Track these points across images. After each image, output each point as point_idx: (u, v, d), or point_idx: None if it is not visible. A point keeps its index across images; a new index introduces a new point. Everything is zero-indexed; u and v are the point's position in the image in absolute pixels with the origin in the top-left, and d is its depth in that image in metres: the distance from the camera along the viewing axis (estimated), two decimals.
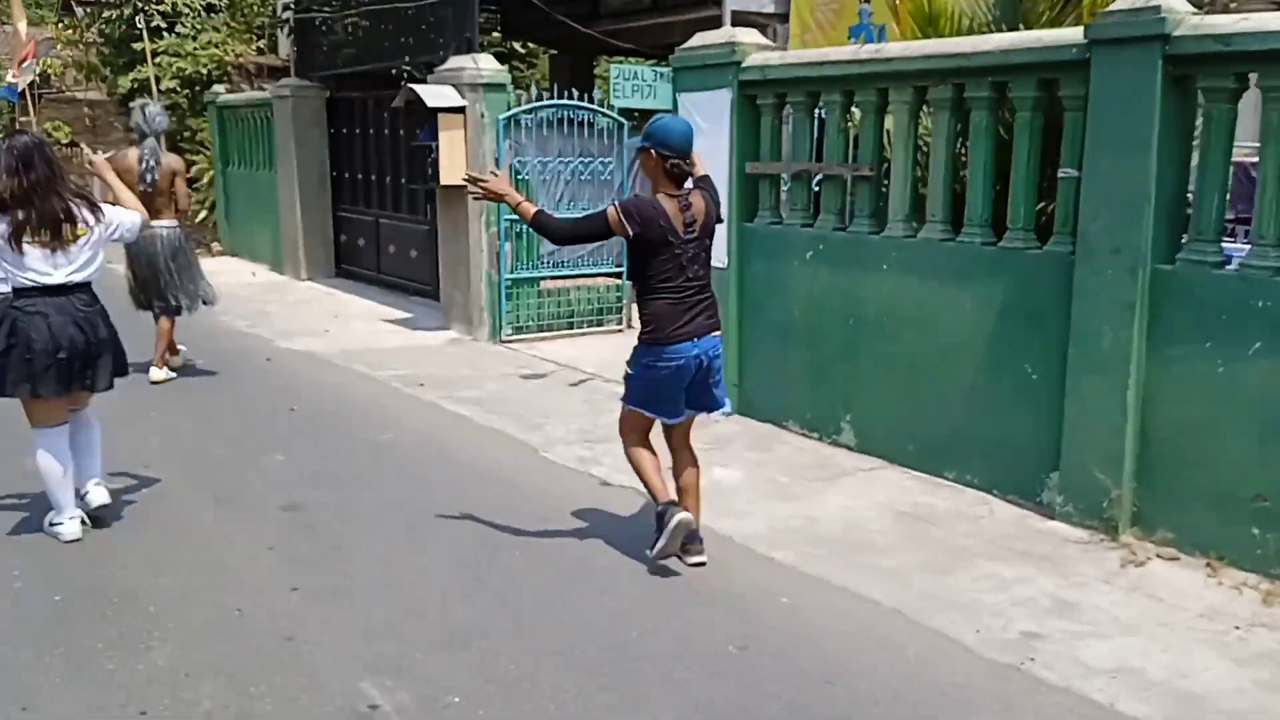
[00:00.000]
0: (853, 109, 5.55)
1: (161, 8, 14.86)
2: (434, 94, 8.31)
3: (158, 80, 14.31)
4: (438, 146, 8.35)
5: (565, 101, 8.75)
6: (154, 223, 6.65)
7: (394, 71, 11.52)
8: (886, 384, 5.32)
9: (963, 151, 5.16)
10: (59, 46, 19.89)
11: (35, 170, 4.16)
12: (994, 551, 4.23)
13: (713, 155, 6.06)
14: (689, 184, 3.99)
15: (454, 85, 8.45)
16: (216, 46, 14.61)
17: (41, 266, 4.19)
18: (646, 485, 4.19)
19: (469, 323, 8.74)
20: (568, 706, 3.07)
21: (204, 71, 14.61)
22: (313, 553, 4.20)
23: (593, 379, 7.22)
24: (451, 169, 8.39)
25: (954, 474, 5.02)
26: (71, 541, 4.25)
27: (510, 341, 8.64)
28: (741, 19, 8.90)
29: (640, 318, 4.04)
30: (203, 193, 14.68)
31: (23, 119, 25.12)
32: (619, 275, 9.13)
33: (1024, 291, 4.71)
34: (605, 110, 8.87)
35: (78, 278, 4.28)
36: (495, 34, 14.39)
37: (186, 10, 15.18)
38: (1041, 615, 3.66)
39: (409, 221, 10.47)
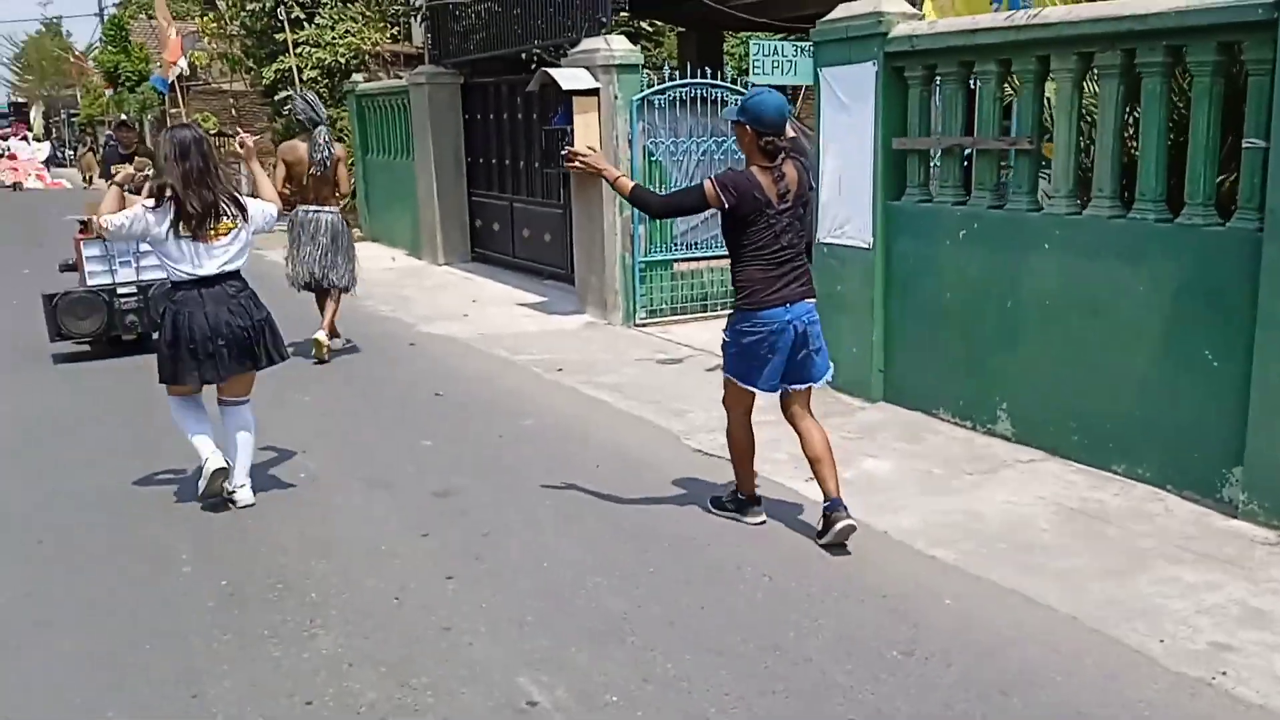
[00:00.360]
0: (1008, 79, 5.27)
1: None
2: (568, 77, 8.29)
3: (299, 70, 14.80)
4: (572, 129, 8.34)
5: (697, 80, 8.61)
6: (320, 208, 7.31)
7: (524, 55, 11.62)
8: (1048, 371, 5.04)
9: (1132, 122, 4.83)
10: (205, 40, 20.74)
11: (191, 162, 4.34)
12: (1174, 553, 3.95)
13: (856, 131, 5.88)
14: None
15: (587, 67, 8.41)
16: (354, 36, 14.99)
17: (196, 259, 4.40)
18: (735, 469, 4.31)
19: (603, 306, 8.73)
20: (729, 711, 2.98)
21: (342, 61, 15.03)
22: (465, 539, 4.24)
23: None
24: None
25: (1123, 467, 4.72)
26: (217, 469, 4.45)
27: (645, 325, 8.60)
28: None
29: (734, 285, 4.13)
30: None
31: (173, 111, 26.37)
32: None
33: (1203, 271, 4.37)
34: (738, 88, 8.71)
35: (229, 268, 4.48)
36: (623, 13, 14.33)
37: (325, 1, 15.62)
38: (1231, 625, 3.40)
39: (542, 205, 10.53)
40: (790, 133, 4.10)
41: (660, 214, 4.46)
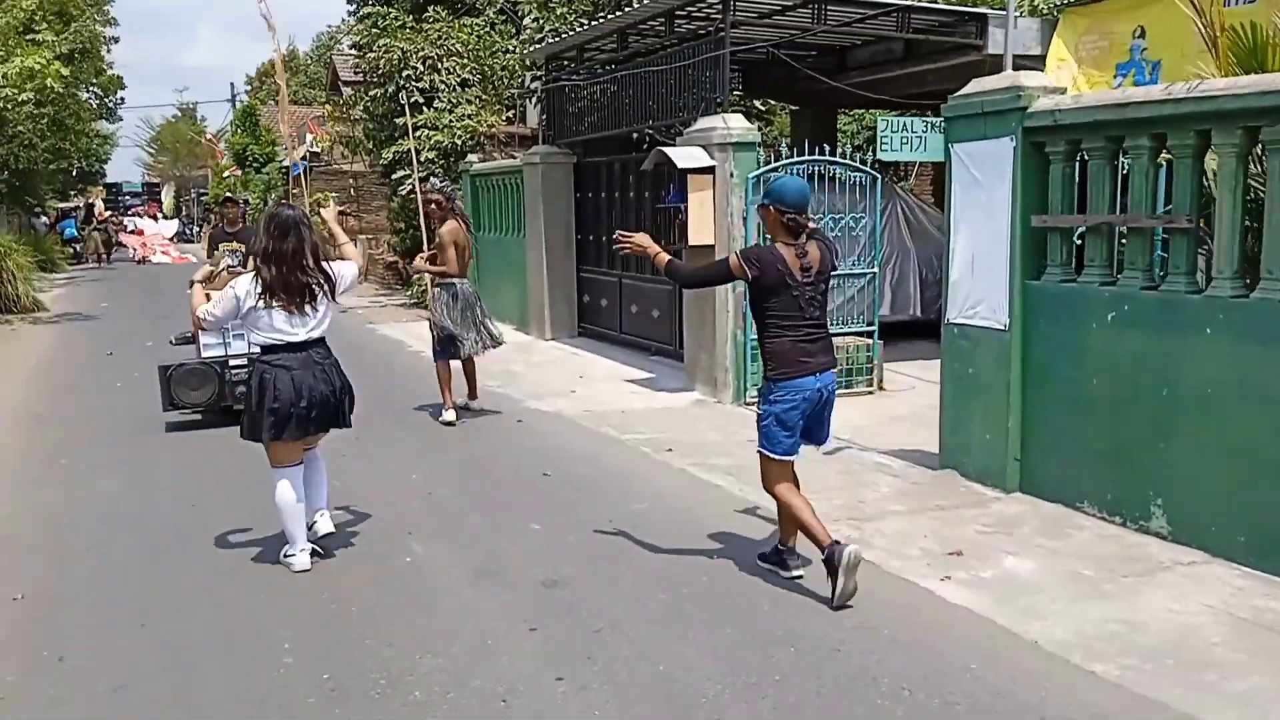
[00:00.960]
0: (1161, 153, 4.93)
1: (421, 85, 15.78)
2: (684, 155, 8.21)
3: (418, 152, 15.18)
4: (686, 207, 8.24)
5: (814, 158, 8.45)
6: (464, 279, 7.93)
7: (636, 135, 11.67)
8: (1211, 465, 4.59)
9: None
10: (328, 124, 21.61)
11: (289, 242, 4.60)
12: None
13: (990, 208, 5.59)
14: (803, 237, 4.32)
15: (703, 145, 8.32)
16: (470, 119, 15.34)
17: (285, 327, 4.63)
18: (807, 530, 4.34)
19: (713, 384, 8.50)
20: None
21: (458, 142, 15.37)
22: (575, 636, 3.99)
23: (847, 447, 6.76)
24: (700, 229, 8.25)
25: None
26: (301, 572, 4.66)
27: (755, 403, 8.33)
28: (1000, 64, 8.32)
29: (764, 356, 4.41)
30: None
31: (294, 190, 27.54)
32: (869, 334, 8.68)
33: None
34: (857, 165, 8.51)
35: (315, 334, 4.71)
36: (734, 93, 14.37)
37: (443, 86, 16.06)
38: None
39: (651, 282, 10.42)
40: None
41: (688, 285, 5.03)
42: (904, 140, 8.23)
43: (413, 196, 16.07)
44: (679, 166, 8.14)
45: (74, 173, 33.91)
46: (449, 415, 7.71)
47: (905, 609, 4.15)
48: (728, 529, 5.25)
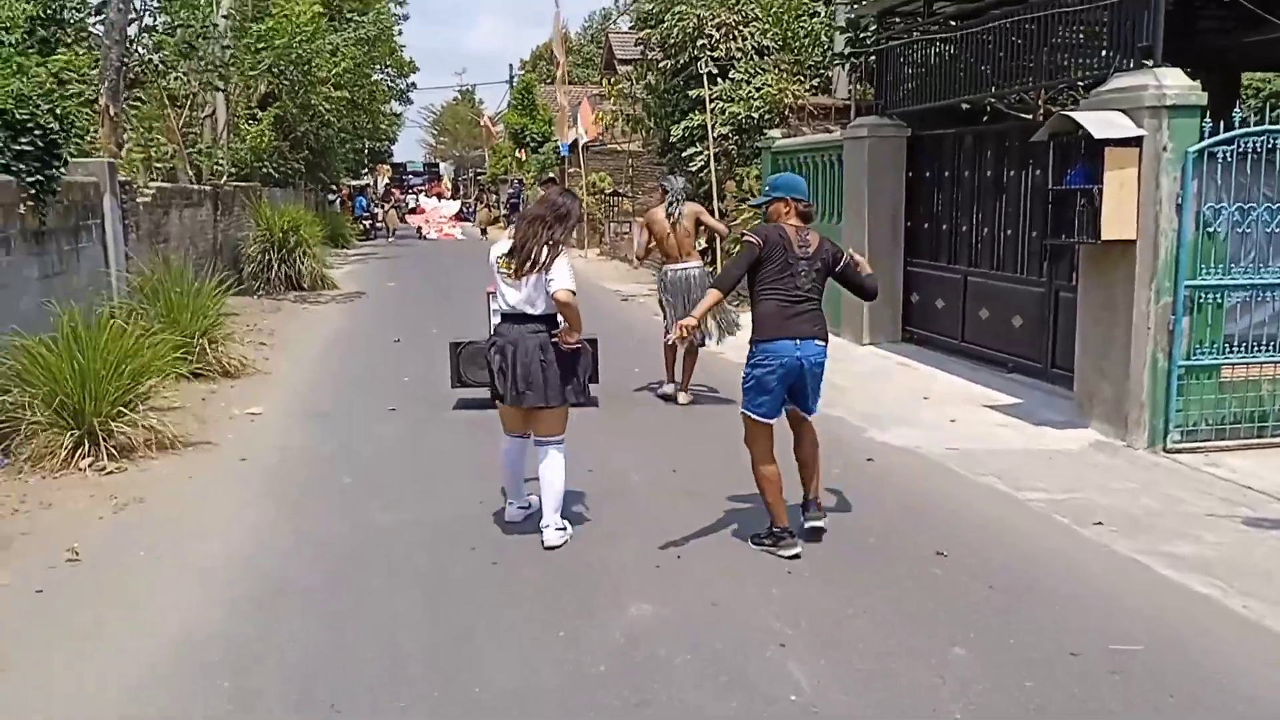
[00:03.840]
0: None
1: (716, 54, 14.40)
2: (1101, 122, 6.26)
3: (711, 128, 13.83)
4: (1098, 190, 6.30)
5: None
6: (685, 264, 7.90)
7: (986, 105, 9.72)
8: None
9: None
10: (611, 101, 20.73)
11: (543, 211, 4.74)
12: None
13: None
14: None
15: (1124, 110, 6.34)
16: (771, 88, 13.79)
17: (508, 295, 4.74)
18: (767, 504, 4.63)
19: (1119, 422, 6.53)
20: None
21: (755, 115, 13.88)
22: None
23: None
24: (1118, 218, 6.30)
25: None
26: (511, 521, 4.99)
27: (1178, 451, 6.32)
28: None
29: (752, 321, 4.63)
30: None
31: (571, 170, 27.10)
32: None
33: None
34: None
35: (528, 309, 4.69)
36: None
37: (739, 54, 14.61)
38: None
39: (1012, 281, 8.49)
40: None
41: (730, 287, 4.64)
42: None
43: (704, 174, 14.88)
44: (1096, 136, 6.19)
45: (365, 151, 35.38)
46: (667, 388, 8.03)
47: None
48: (1267, 684, 3.41)
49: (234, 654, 3.68)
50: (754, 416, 4.61)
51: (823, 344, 4.64)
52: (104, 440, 6.13)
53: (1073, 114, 6.44)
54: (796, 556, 4.49)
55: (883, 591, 4.19)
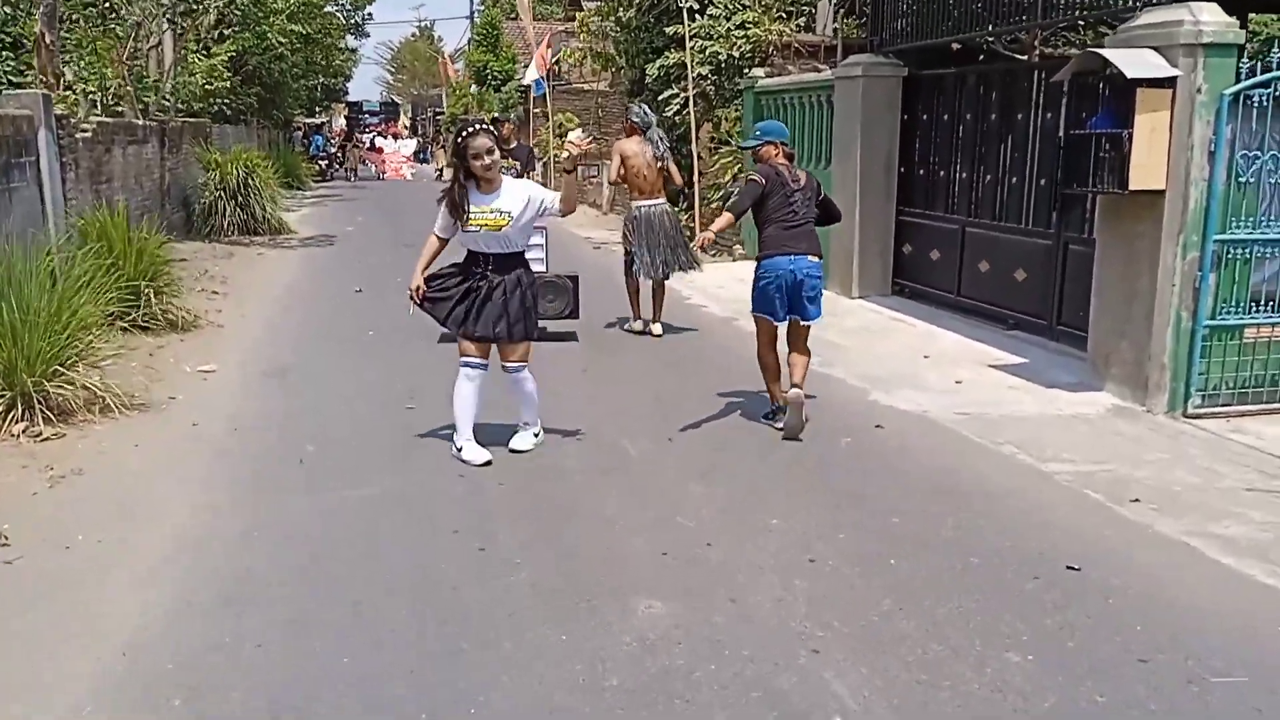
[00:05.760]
0: None
1: None
2: (1133, 60, 5.78)
3: (690, 67, 13.17)
4: (1127, 134, 5.84)
5: None
6: (654, 201, 8.04)
7: (983, 44, 9.22)
8: None
9: None
10: (580, 37, 19.89)
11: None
12: None
13: None
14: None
15: (1157, 47, 5.86)
16: (753, 26, 13.13)
17: (483, 242, 4.98)
18: (768, 386, 5.76)
19: (1138, 385, 6.15)
20: None
21: (735, 55, 13.24)
22: None
23: None
24: (1148, 165, 5.85)
25: None
26: (479, 464, 4.98)
27: (1199, 416, 5.96)
28: None
29: (758, 245, 5.66)
30: (724, 190, 13.37)
31: (535, 110, 26.16)
32: None
33: None
34: None
35: (501, 250, 5.00)
36: None
37: None
38: None
39: (1014, 233, 8.05)
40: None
41: (738, 213, 5.63)
42: None
43: (680, 116, 14.24)
44: (1128, 76, 5.72)
45: (318, 89, 34.10)
46: (635, 325, 8.28)
47: None
48: None
49: (186, 665, 3.18)
50: (759, 315, 5.64)
51: (816, 259, 5.56)
52: (39, 402, 5.53)
53: (1103, 51, 5.95)
54: (795, 407, 5.42)
55: (916, 584, 3.77)
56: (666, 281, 8.23)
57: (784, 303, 5.50)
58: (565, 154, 5.11)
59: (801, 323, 5.60)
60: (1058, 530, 4.33)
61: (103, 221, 7.82)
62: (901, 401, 6.27)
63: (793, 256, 5.45)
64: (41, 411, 5.50)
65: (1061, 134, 7.25)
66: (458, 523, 4.29)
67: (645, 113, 8.23)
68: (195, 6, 15.11)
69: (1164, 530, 4.29)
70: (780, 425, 5.52)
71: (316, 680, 3.09)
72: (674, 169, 8.24)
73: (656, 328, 8.16)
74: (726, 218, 5.64)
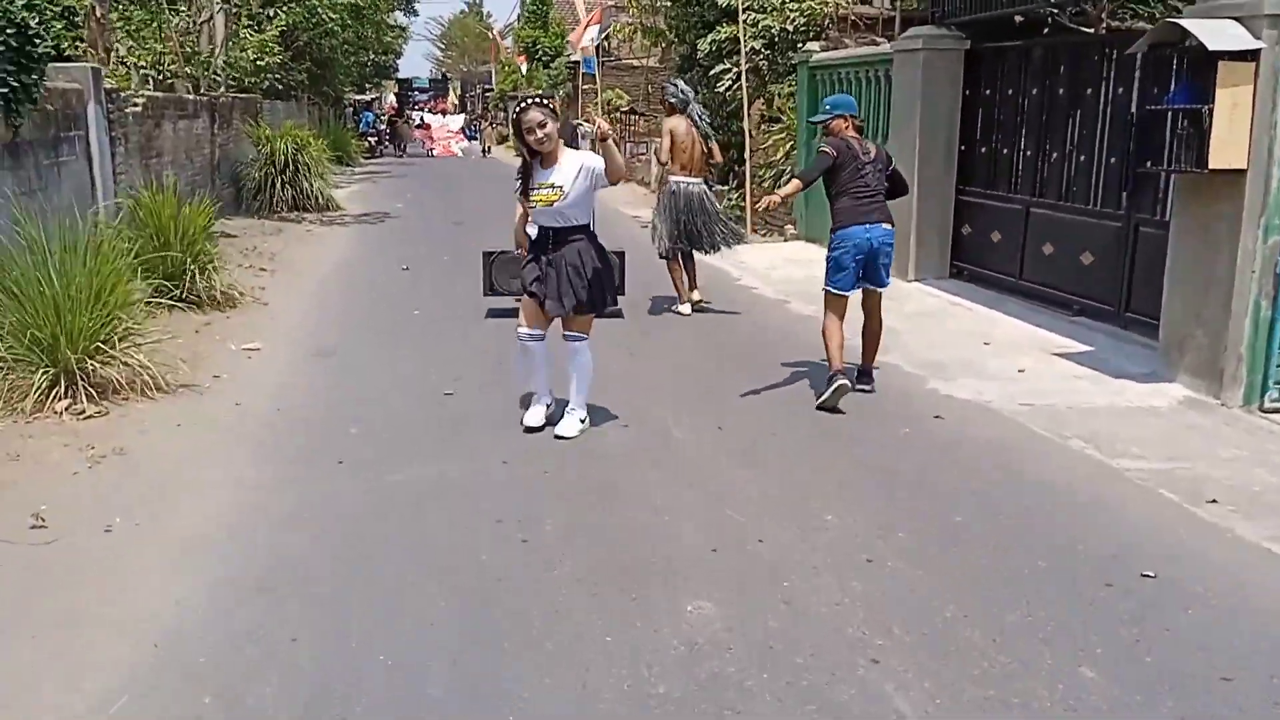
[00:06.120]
0: None
1: None
2: (1214, 32, 5.45)
3: (743, 40, 12.87)
4: (1206, 110, 5.52)
5: None
6: (691, 179, 7.99)
7: (1048, 16, 8.83)
8: None
9: None
10: (630, 12, 19.63)
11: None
12: None
13: None
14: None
15: (1239, 18, 5.53)
16: None
17: (543, 216, 5.02)
18: (827, 352, 5.67)
19: (1212, 376, 5.85)
20: None
21: (789, 29, 12.91)
22: None
23: None
24: (1229, 143, 5.53)
25: None
26: (528, 429, 5.12)
27: (1275, 412, 5.65)
28: None
29: (832, 216, 5.76)
30: (776, 169, 13.09)
31: (585, 87, 25.95)
32: None
33: None
34: None
35: (563, 223, 5.03)
36: None
37: None
38: None
39: (1080, 214, 7.72)
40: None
41: (807, 181, 5.89)
42: None
43: (733, 92, 13.94)
44: (1210, 48, 5.39)
45: (368, 66, 34.16)
46: (683, 308, 8.09)
47: None
48: None
49: (222, 657, 3.08)
50: (834, 291, 5.71)
51: (890, 227, 5.73)
52: (82, 380, 5.49)
53: (1182, 21, 5.62)
54: (841, 390, 5.51)
55: (981, 588, 3.56)
56: (707, 257, 8.35)
57: (857, 271, 5.67)
58: (595, 126, 5.08)
59: (877, 290, 5.80)
60: (1131, 532, 4.10)
61: (149, 197, 7.77)
62: (962, 390, 6.03)
63: (868, 226, 5.61)
64: (85, 388, 5.46)
65: (1134, 110, 6.97)
66: (501, 511, 4.15)
67: (683, 90, 8.20)
68: None
69: (1245, 534, 4.04)
70: (824, 396, 5.55)
71: (353, 676, 2.98)
72: (715, 146, 8.23)
73: (696, 294, 8.17)
74: (795, 184, 5.86)
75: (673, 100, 8.14)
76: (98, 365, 5.59)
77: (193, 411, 5.49)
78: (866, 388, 5.86)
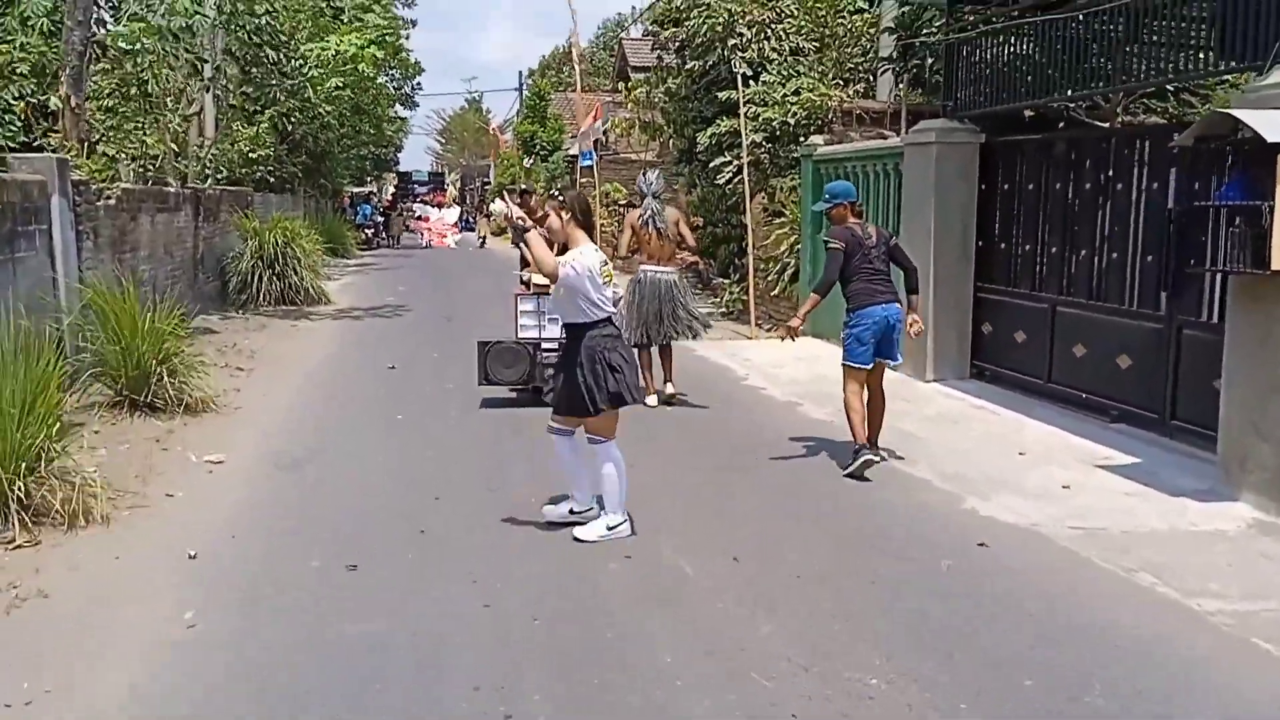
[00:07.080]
0: None
1: (747, 55, 13.10)
2: (1273, 123, 4.98)
3: (744, 134, 12.54)
4: (1266, 205, 5.01)
5: None
6: (659, 269, 7.92)
7: (1064, 110, 8.47)
8: None
9: None
10: (628, 107, 19.49)
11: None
12: None
13: None
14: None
15: None
16: (809, 92, 12.52)
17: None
18: (851, 426, 6.03)
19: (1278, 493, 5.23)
20: None
21: (791, 122, 12.61)
22: None
23: None
24: None
25: None
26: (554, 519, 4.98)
27: None
28: None
29: (847, 298, 6.06)
30: (779, 262, 12.65)
31: (583, 180, 25.80)
32: None
33: None
34: None
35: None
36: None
37: (774, 55, 13.35)
38: None
39: (1120, 314, 7.18)
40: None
41: (825, 291, 6.03)
42: None
43: (733, 185, 13.57)
44: (1269, 140, 4.91)
45: (368, 158, 34.23)
46: (649, 400, 7.78)
47: None
48: None
49: None
50: (854, 366, 6.05)
51: (898, 305, 6.05)
52: (14, 504, 4.85)
53: (1235, 111, 5.15)
54: (868, 463, 5.83)
55: None
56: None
57: (874, 348, 5.98)
58: (506, 207, 5.05)
59: (889, 365, 6.16)
60: (1230, 696, 3.44)
61: (109, 295, 7.20)
62: (1003, 511, 5.40)
63: (884, 304, 5.97)
64: (17, 514, 4.82)
65: (1171, 205, 6.50)
66: (479, 675, 3.48)
67: (649, 182, 8.13)
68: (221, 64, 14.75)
69: None
70: (853, 467, 5.84)
71: None
72: (685, 231, 8.11)
73: (669, 388, 8.03)
74: (813, 299, 6.06)
75: (641, 192, 8.19)
76: (36, 483, 4.96)
77: (135, 540, 4.83)
78: (873, 457, 5.98)
